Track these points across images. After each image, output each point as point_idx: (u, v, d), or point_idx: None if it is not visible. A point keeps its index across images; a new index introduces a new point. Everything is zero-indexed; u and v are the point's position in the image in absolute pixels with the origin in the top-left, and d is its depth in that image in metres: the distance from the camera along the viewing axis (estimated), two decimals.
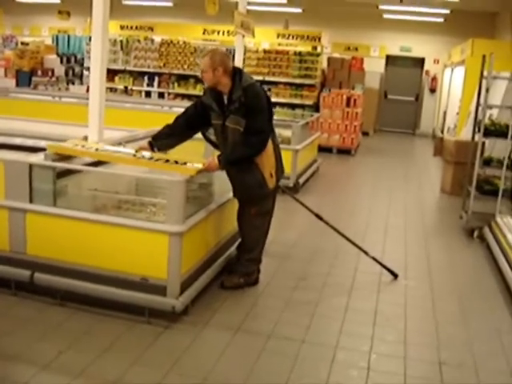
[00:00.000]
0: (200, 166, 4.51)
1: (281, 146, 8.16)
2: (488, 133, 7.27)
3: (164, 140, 5.03)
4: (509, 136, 6.95)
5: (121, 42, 15.81)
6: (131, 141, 5.68)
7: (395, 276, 5.66)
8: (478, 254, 6.75)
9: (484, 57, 7.50)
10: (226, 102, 4.77)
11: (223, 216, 5.27)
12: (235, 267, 5.21)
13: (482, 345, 4.47)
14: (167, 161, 4.57)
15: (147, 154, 4.77)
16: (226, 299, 4.89)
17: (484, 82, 7.44)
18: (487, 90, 7.24)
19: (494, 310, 5.19)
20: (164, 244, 4.25)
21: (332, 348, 4.21)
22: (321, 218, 5.77)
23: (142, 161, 4.62)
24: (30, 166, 4.44)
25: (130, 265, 4.37)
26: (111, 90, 15.36)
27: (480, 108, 7.48)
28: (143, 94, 15.69)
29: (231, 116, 4.70)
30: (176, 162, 4.50)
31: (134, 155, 4.70)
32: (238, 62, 10.33)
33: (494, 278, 5.93)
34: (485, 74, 7.42)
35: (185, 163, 4.52)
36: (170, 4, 18.90)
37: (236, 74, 4.76)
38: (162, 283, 4.30)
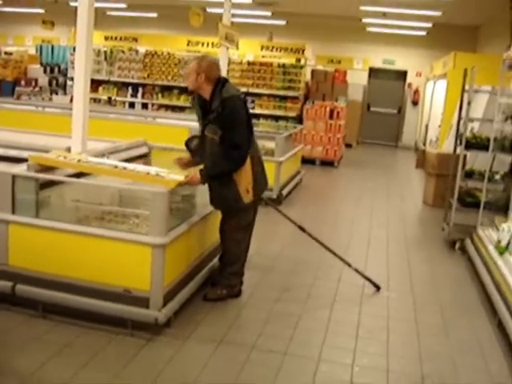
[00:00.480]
0: (181, 178, 4.51)
1: (264, 157, 8.21)
2: (469, 146, 7.33)
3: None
4: (490, 149, 7.02)
5: (105, 52, 15.80)
6: (114, 152, 5.68)
7: (378, 288, 5.69)
8: (459, 265, 6.80)
9: (466, 70, 7.58)
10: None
11: (206, 228, 5.26)
12: (218, 279, 5.21)
13: (463, 357, 4.50)
14: (148, 173, 4.56)
15: (130, 165, 4.76)
16: (209, 311, 4.89)
17: (466, 95, 7.52)
18: (469, 104, 7.31)
19: (476, 322, 5.23)
20: (147, 256, 4.24)
21: (315, 360, 4.22)
22: (304, 230, 5.78)
23: (124, 172, 4.61)
24: (13, 177, 4.42)
25: (112, 276, 4.35)
26: (95, 100, 15.34)
27: (462, 121, 7.55)
28: (127, 104, 15.66)
29: (209, 125, 4.73)
30: (157, 174, 4.49)
31: (116, 166, 4.69)
32: (223, 72, 10.35)
33: (475, 290, 5.98)
34: (466, 87, 7.50)
35: (166, 175, 4.51)
36: (154, 15, 18.92)
37: (219, 83, 4.76)
38: (145, 295, 4.28)
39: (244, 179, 4.81)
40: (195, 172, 4.73)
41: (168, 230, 4.32)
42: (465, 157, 7.78)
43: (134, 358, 4.01)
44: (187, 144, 5.24)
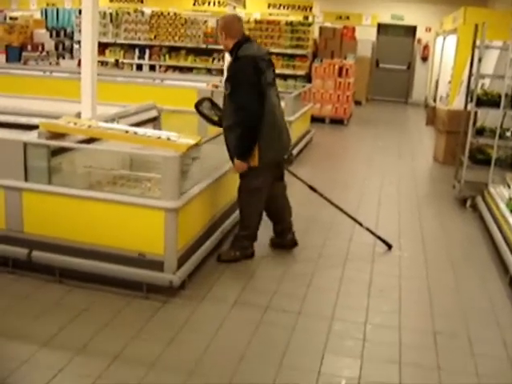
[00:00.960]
0: (192, 141, 4.51)
1: None
2: (480, 102, 7.27)
3: None
4: (501, 105, 6.97)
5: (110, 14, 15.66)
6: (124, 116, 5.70)
7: (389, 247, 5.72)
8: (470, 223, 6.82)
9: (476, 26, 7.48)
10: None
11: (218, 189, 5.30)
12: (232, 240, 5.26)
13: (475, 315, 4.55)
14: (159, 137, 4.57)
15: (140, 130, 4.77)
16: (223, 272, 4.94)
17: (476, 51, 7.43)
18: (480, 60, 7.23)
19: (487, 279, 5.26)
20: (160, 220, 4.28)
21: (328, 319, 4.28)
22: (315, 190, 5.78)
23: (135, 137, 4.62)
24: (25, 145, 4.44)
25: (126, 241, 4.41)
26: (102, 63, 15.25)
27: (472, 78, 7.48)
28: (134, 66, 15.59)
29: (225, 82, 4.95)
30: (168, 138, 4.50)
31: (127, 131, 4.70)
32: None
33: (486, 248, 6.00)
34: (477, 43, 7.40)
35: (177, 139, 4.52)
36: None
37: (240, 41, 4.83)
38: (159, 259, 4.34)
39: None
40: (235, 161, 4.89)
41: (180, 193, 4.35)
42: (476, 114, 7.73)
43: (150, 320, 4.08)
44: (197, 107, 5.27)
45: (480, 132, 7.44)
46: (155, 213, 4.30)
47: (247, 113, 4.74)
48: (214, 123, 5.33)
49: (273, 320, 4.22)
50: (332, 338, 4.04)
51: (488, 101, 7.25)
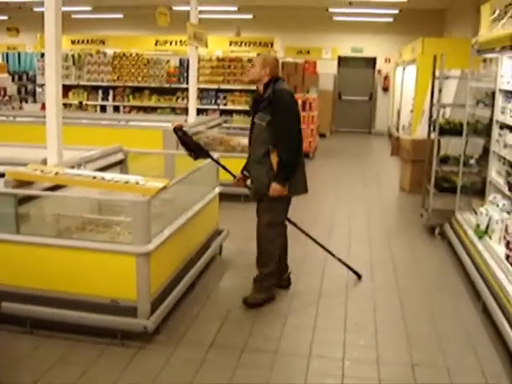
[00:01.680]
0: (161, 185, 4.48)
1: (239, 154, 8.28)
2: (443, 131, 7.40)
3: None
4: (463, 134, 7.10)
5: (73, 56, 15.59)
6: (90, 161, 5.64)
7: (359, 276, 5.76)
8: (440, 251, 6.89)
9: (435, 57, 7.64)
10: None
11: (190, 230, 5.27)
12: (257, 282, 5.26)
13: (451, 343, 4.57)
14: (127, 182, 4.53)
15: (108, 175, 4.74)
16: (198, 314, 4.91)
17: (436, 81, 7.58)
18: (440, 91, 7.38)
19: (461, 306, 5.30)
20: (131, 265, 4.24)
21: (305, 357, 4.26)
22: (289, 221, 5.70)
23: (103, 183, 4.58)
24: None
25: (98, 288, 4.35)
26: (65, 105, 15.15)
27: (434, 107, 7.62)
28: (98, 108, 15.52)
29: (259, 113, 4.97)
30: (137, 183, 4.47)
31: (95, 177, 4.66)
32: (192, 72, 10.33)
33: (457, 275, 6.06)
34: (437, 74, 7.55)
35: (145, 183, 4.49)
36: (120, 16, 18.80)
37: (275, 79, 5.02)
38: (133, 304, 4.29)
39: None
40: (273, 185, 4.93)
41: (151, 237, 4.33)
42: (439, 142, 7.85)
43: (126, 368, 4.02)
44: (176, 131, 5.39)
45: (444, 160, 7.55)
46: (126, 258, 4.26)
47: (291, 135, 4.93)
48: (190, 150, 5.41)
49: (250, 361, 4.18)
50: (311, 376, 4.02)
51: (450, 129, 7.38)
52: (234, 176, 5.49)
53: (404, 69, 15.89)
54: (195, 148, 5.42)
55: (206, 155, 5.56)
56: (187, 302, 5.08)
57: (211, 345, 4.38)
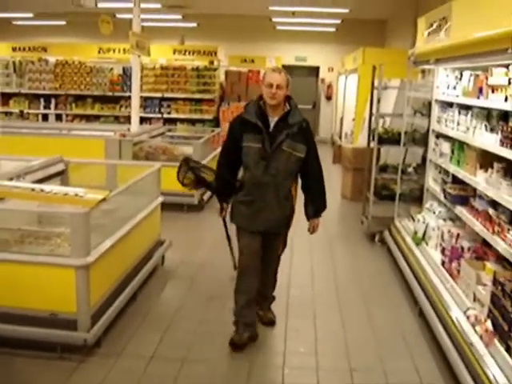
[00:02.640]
0: (100, 196, 4.46)
1: None
2: (382, 141, 7.58)
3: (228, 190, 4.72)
4: (401, 143, 7.28)
5: (14, 63, 15.37)
6: (29, 172, 5.57)
7: (235, 268, 5.07)
8: (380, 257, 7.04)
9: (374, 68, 7.80)
10: (273, 124, 4.45)
11: (131, 241, 5.26)
12: (265, 304, 5.10)
13: (389, 347, 4.70)
14: (66, 194, 4.50)
15: (47, 187, 4.69)
16: (140, 326, 4.89)
17: (375, 92, 7.75)
18: (378, 101, 7.54)
19: (398, 311, 5.44)
20: (71, 278, 4.22)
21: (246, 365, 4.30)
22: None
23: (42, 195, 4.53)
24: None
25: (38, 301, 4.30)
26: (6, 114, 14.97)
27: (373, 117, 7.79)
28: (40, 117, 15.31)
29: (287, 140, 4.40)
30: (76, 195, 4.44)
31: (33, 189, 4.61)
32: (135, 81, 10.29)
33: (396, 281, 6.20)
34: (375, 84, 7.72)
35: (85, 195, 4.47)
36: (63, 23, 18.55)
37: (289, 98, 4.58)
38: (72, 317, 4.26)
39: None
40: (313, 221, 4.84)
41: (91, 249, 4.31)
42: (379, 151, 8.03)
43: (66, 382, 3.98)
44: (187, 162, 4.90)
45: (383, 169, 7.73)
46: (65, 271, 4.23)
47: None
48: (206, 185, 4.93)
49: (190, 372, 4.19)
50: (253, 379, 4.07)
51: (389, 139, 7.57)
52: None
53: (346, 78, 16.13)
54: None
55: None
56: (129, 313, 5.07)
57: (152, 356, 4.37)
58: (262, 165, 4.43)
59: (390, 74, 9.13)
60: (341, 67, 17.86)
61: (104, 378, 4.06)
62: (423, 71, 8.10)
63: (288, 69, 18.42)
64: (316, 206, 4.81)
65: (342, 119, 16.19)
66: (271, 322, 5.02)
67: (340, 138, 15.88)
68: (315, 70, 19.62)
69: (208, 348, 4.56)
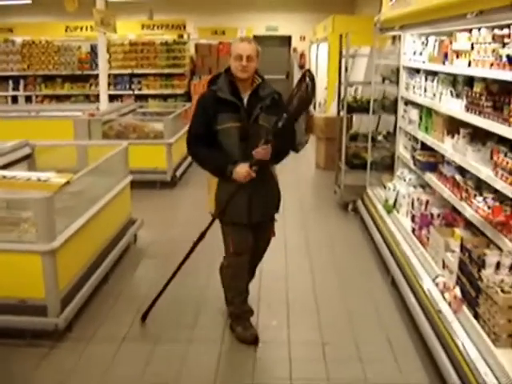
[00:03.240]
0: (64, 180, 4.40)
1: (154, 140, 8.08)
2: (351, 109, 7.55)
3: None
4: (370, 111, 7.25)
5: None
6: None
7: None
8: (353, 227, 7.05)
9: (341, 36, 7.74)
10: (246, 99, 4.06)
11: (100, 222, 5.21)
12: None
13: (361, 319, 4.71)
14: (29, 179, 4.44)
15: (9, 173, 4.62)
16: (112, 308, 4.86)
17: (343, 60, 7.69)
18: (346, 69, 7.50)
19: (371, 281, 5.46)
20: (37, 264, 4.17)
21: (218, 341, 4.31)
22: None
23: (3, 182, 4.47)
24: None
25: (5, 288, 4.25)
26: None
27: (342, 86, 7.74)
28: (9, 99, 15.08)
29: (262, 114, 4.02)
30: (38, 179, 4.38)
31: None
32: (102, 59, 10.17)
33: (369, 250, 6.22)
34: (343, 53, 7.66)
35: (48, 179, 4.41)
36: (28, 2, 18.15)
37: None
38: (42, 303, 4.22)
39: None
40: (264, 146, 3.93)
41: (56, 234, 4.25)
42: (350, 120, 8.00)
43: (37, 368, 3.96)
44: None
45: (354, 137, 7.71)
46: (31, 257, 4.18)
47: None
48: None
49: (163, 353, 4.18)
50: (223, 362, 4.06)
51: (358, 107, 7.55)
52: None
53: (318, 47, 16.02)
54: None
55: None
56: (101, 295, 5.04)
57: (124, 338, 4.35)
58: (242, 146, 4.01)
59: (361, 42, 9.07)
60: (312, 36, 17.73)
61: (75, 363, 4.03)
62: (394, 38, 8.06)
63: (260, 39, 18.18)
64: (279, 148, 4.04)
65: None
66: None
67: (314, 107, 15.82)
68: (287, 40, 19.45)
69: (180, 328, 4.54)
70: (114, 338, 4.35)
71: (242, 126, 4.01)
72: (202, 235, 4.36)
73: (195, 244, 4.42)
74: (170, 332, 4.46)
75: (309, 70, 4.15)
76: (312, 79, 4.04)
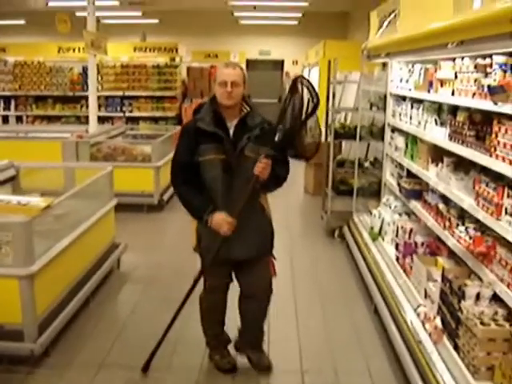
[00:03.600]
0: (44, 204, 4.38)
1: (141, 164, 8.01)
2: (338, 135, 7.55)
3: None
4: (357, 137, 7.25)
5: None
6: None
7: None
8: (338, 253, 7.02)
9: (330, 62, 7.76)
10: (232, 129, 3.86)
11: (82, 246, 5.16)
12: (261, 343, 4.43)
13: (342, 347, 4.66)
14: (9, 202, 4.41)
15: None
16: (91, 333, 4.80)
17: (331, 86, 7.71)
18: (334, 96, 7.51)
19: (354, 309, 5.41)
20: (15, 288, 4.11)
21: (197, 368, 4.27)
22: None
23: None
24: None
25: None
26: None
27: (329, 112, 7.75)
28: (0, 119, 15.07)
29: (249, 144, 3.80)
30: (18, 203, 4.35)
31: None
32: (92, 80, 10.19)
33: (353, 277, 6.18)
34: (331, 79, 7.68)
35: (28, 203, 4.38)
36: (22, 22, 18.24)
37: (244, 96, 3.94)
38: (18, 328, 4.16)
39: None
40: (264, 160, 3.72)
41: (35, 258, 4.21)
42: (338, 146, 8.01)
43: None
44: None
45: (341, 164, 7.71)
46: (9, 281, 4.12)
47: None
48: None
49: (140, 380, 4.12)
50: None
51: (345, 133, 7.55)
52: None
53: (310, 71, 16.10)
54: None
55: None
56: (81, 320, 4.98)
57: (101, 365, 4.29)
58: (225, 178, 3.80)
59: (351, 67, 9.07)
60: (305, 60, 17.83)
61: None
62: (384, 64, 8.10)
63: (252, 63, 18.43)
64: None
65: None
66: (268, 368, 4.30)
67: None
68: (280, 64, 19.58)
69: (158, 357, 4.44)
70: (91, 365, 4.28)
71: (225, 157, 3.78)
72: (195, 282, 4.11)
73: (190, 291, 4.16)
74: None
75: (302, 76, 3.95)
76: (309, 84, 3.90)
